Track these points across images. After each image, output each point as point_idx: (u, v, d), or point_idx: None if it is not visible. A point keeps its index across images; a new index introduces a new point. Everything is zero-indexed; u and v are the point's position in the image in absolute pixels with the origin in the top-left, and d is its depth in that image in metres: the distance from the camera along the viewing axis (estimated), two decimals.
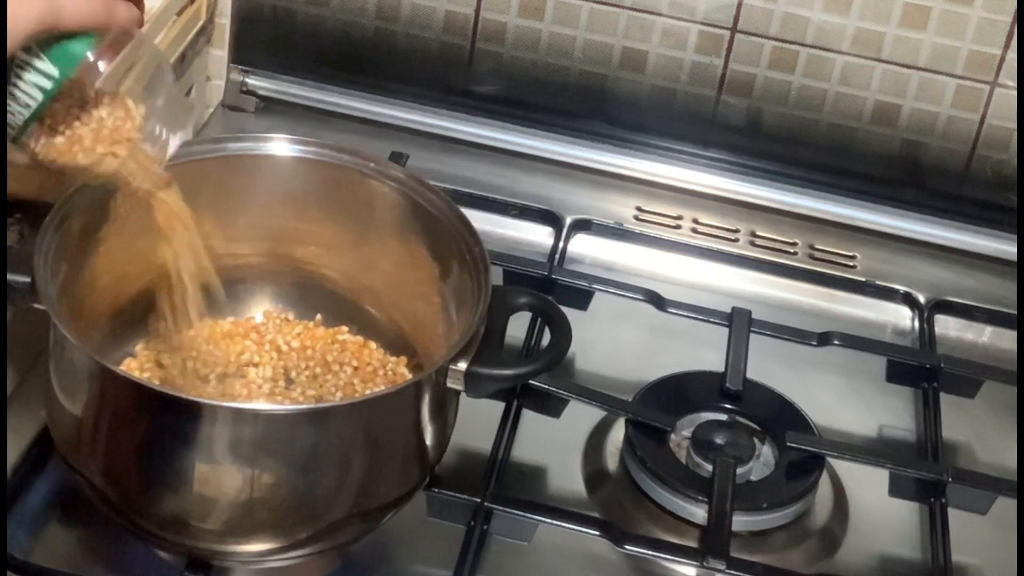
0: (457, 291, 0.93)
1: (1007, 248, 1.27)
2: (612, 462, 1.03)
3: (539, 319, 1.08)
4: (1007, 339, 1.20)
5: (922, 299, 1.21)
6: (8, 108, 0.79)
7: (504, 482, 0.99)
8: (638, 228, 1.25)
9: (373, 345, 1.01)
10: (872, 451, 1.07)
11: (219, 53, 1.32)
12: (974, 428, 1.11)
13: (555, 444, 1.04)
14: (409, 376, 0.98)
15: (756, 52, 1.26)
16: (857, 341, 1.13)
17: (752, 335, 1.11)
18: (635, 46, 1.27)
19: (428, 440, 0.89)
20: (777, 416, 1.05)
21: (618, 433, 1.04)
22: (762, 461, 1.02)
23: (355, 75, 1.32)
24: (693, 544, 0.97)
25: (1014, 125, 1.25)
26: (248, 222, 1.00)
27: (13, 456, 0.94)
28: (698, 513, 0.98)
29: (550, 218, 1.24)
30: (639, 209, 1.27)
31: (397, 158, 1.20)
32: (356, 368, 0.99)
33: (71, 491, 0.92)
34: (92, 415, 0.85)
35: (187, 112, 0.84)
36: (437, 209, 0.96)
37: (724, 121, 1.29)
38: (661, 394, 1.06)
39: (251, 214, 1.00)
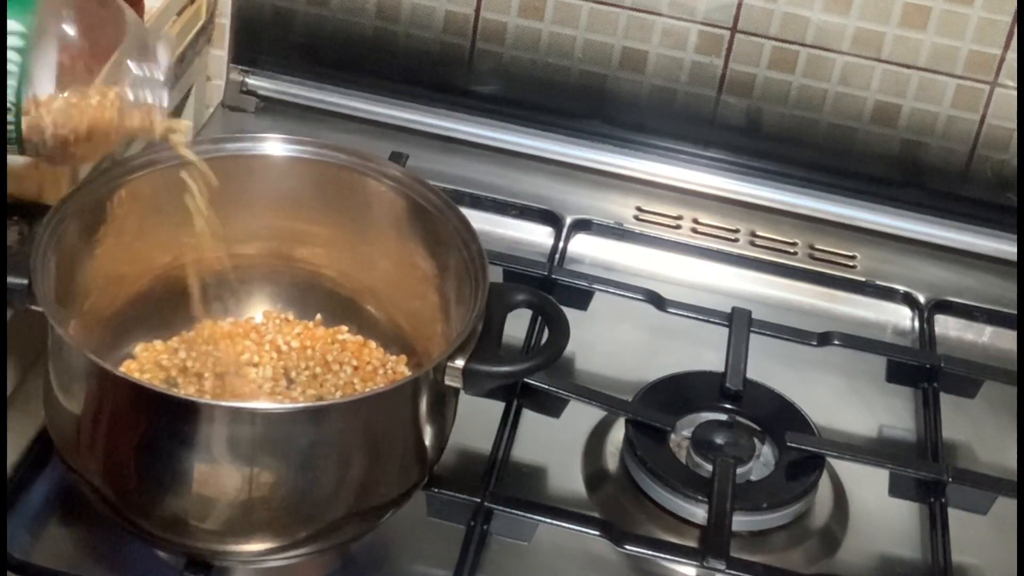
0: (456, 290, 0.93)
1: (1007, 248, 1.27)
2: (612, 462, 1.03)
3: (539, 318, 1.08)
4: (1007, 339, 1.20)
5: (922, 299, 1.21)
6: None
7: (504, 482, 0.99)
8: (638, 228, 1.25)
9: (373, 344, 1.01)
10: (872, 451, 1.07)
11: (219, 53, 1.32)
12: (974, 428, 1.11)
13: (555, 444, 1.04)
14: (409, 375, 0.98)
15: (756, 52, 1.26)
16: (857, 341, 1.13)
17: (752, 335, 1.11)
18: (635, 46, 1.27)
19: (427, 439, 0.89)
20: (777, 416, 1.05)
21: (618, 433, 1.04)
22: (762, 461, 1.02)
23: (355, 75, 1.32)
24: (693, 544, 0.96)
25: (1014, 125, 1.25)
26: (247, 222, 1.00)
27: (13, 456, 0.94)
28: (698, 513, 0.98)
29: (550, 218, 1.24)
30: (639, 209, 1.27)
31: (397, 158, 1.20)
32: (356, 367, 0.99)
33: (71, 491, 0.92)
34: (91, 416, 0.85)
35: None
36: (436, 209, 0.96)
37: (724, 121, 1.29)
38: (661, 394, 1.06)
39: (250, 214, 1.00)
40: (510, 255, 1.16)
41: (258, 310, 1.03)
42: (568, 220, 1.24)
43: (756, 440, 1.03)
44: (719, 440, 1.01)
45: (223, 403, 0.90)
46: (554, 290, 1.13)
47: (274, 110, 1.32)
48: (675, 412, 1.04)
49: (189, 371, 0.96)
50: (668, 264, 1.23)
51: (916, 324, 1.20)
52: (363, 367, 0.99)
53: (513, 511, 0.95)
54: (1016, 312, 1.20)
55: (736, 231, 1.26)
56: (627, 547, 0.95)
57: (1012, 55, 1.22)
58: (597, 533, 0.95)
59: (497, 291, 0.91)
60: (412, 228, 0.97)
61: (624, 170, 1.30)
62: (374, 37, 1.30)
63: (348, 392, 0.97)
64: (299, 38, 1.31)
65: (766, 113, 1.28)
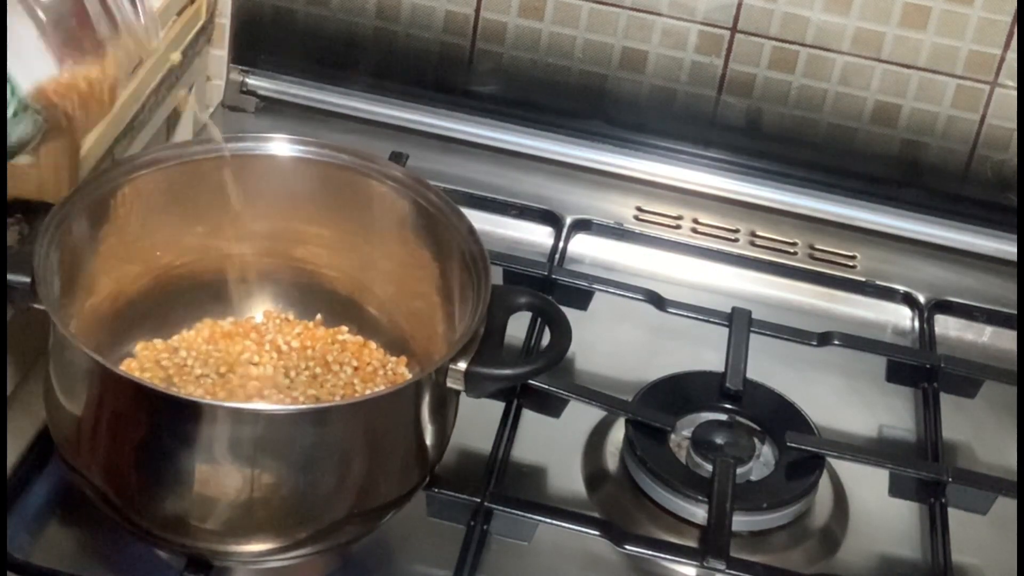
0: (457, 291, 0.93)
1: (1007, 248, 1.27)
2: (612, 462, 1.03)
3: (539, 319, 1.08)
4: (1007, 339, 1.20)
5: (922, 299, 1.21)
6: None
7: (504, 482, 0.99)
8: (638, 228, 1.25)
9: (373, 345, 1.01)
10: (872, 451, 1.07)
11: (219, 53, 1.32)
12: (974, 428, 1.11)
13: (555, 444, 1.04)
14: (409, 376, 0.98)
15: (756, 52, 1.26)
16: (857, 341, 1.13)
17: (752, 335, 1.11)
18: (635, 46, 1.27)
19: (428, 440, 0.89)
20: (777, 416, 1.05)
21: (618, 433, 1.04)
22: (762, 461, 1.02)
23: (355, 75, 1.32)
24: (693, 544, 0.96)
25: (1014, 125, 1.25)
26: (248, 222, 1.00)
27: (13, 456, 0.94)
28: (698, 513, 0.98)
29: (550, 218, 1.24)
30: (639, 209, 1.27)
31: (397, 158, 1.20)
32: (356, 368, 0.99)
33: (71, 491, 0.92)
34: (92, 415, 0.85)
35: None
36: (437, 209, 0.96)
37: (724, 121, 1.29)
38: (661, 394, 1.06)
39: (251, 214, 1.00)
40: (510, 255, 1.16)
41: (258, 310, 1.03)
42: (568, 220, 1.24)
43: (756, 440, 1.03)
44: (719, 440, 1.02)
45: (224, 403, 0.90)
46: (554, 290, 1.13)
47: (274, 110, 1.32)
48: (675, 412, 1.04)
49: (189, 371, 0.96)
50: (668, 264, 1.23)
51: (916, 324, 1.20)
52: (363, 368, 0.99)
53: (513, 511, 0.95)
54: (1016, 312, 1.20)
55: (736, 231, 1.27)
56: (627, 547, 0.95)
57: (1012, 55, 1.22)
58: (597, 533, 0.95)
59: (499, 293, 0.91)
60: (413, 229, 0.97)
61: (624, 170, 1.30)
62: (374, 37, 1.30)
63: (348, 393, 0.97)
64: (299, 38, 1.31)
65: (766, 113, 1.28)
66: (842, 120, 1.27)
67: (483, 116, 1.31)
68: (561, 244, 1.21)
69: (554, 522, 0.95)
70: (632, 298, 1.14)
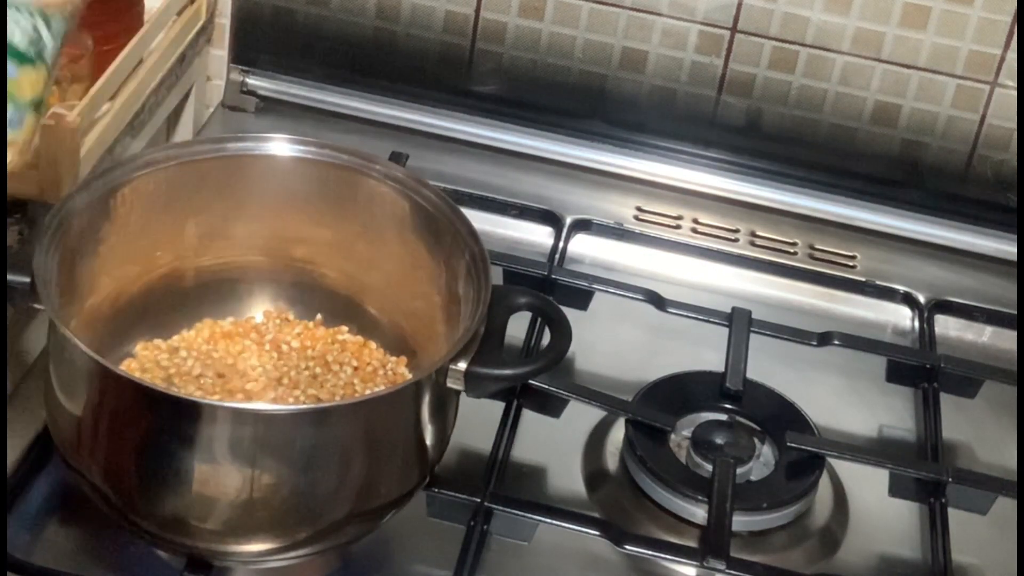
0: (457, 291, 0.93)
1: (1007, 248, 1.27)
2: (612, 462, 1.03)
3: (539, 319, 1.08)
4: (1007, 339, 1.20)
5: (922, 299, 1.21)
6: None
7: (504, 482, 0.99)
8: (638, 228, 1.25)
9: (373, 345, 1.01)
10: (872, 451, 1.07)
11: (219, 53, 1.32)
12: (974, 428, 1.11)
13: (555, 444, 1.04)
14: (409, 376, 0.98)
15: (756, 52, 1.26)
16: (857, 341, 1.13)
17: (752, 335, 1.11)
18: (635, 46, 1.27)
19: (428, 440, 0.89)
20: (777, 416, 1.05)
21: (618, 433, 1.04)
22: (762, 461, 1.02)
23: (355, 75, 1.32)
24: (693, 544, 0.96)
25: (1014, 125, 1.25)
26: (248, 222, 1.00)
27: (13, 456, 0.94)
28: (698, 513, 0.98)
29: (550, 218, 1.24)
30: (639, 209, 1.27)
31: (397, 158, 1.20)
32: (356, 368, 0.99)
33: (71, 491, 0.92)
34: (92, 415, 0.85)
35: None
36: (437, 209, 0.96)
37: (724, 121, 1.29)
38: (661, 394, 1.06)
39: (251, 214, 1.00)
40: (510, 255, 1.16)
41: (258, 310, 1.03)
42: (568, 220, 1.24)
43: (756, 440, 1.03)
44: (719, 440, 1.01)
45: (224, 403, 0.90)
46: (554, 290, 1.13)
47: (274, 110, 1.32)
48: (675, 412, 1.04)
49: (189, 371, 0.96)
50: (668, 264, 1.23)
51: (916, 324, 1.20)
52: (363, 368, 0.99)
53: (513, 511, 0.95)
54: (1016, 312, 1.20)
55: (736, 231, 1.27)
56: (627, 547, 0.95)
57: (1012, 55, 1.22)
58: (597, 533, 0.95)
59: (499, 293, 0.91)
60: (413, 229, 0.97)
61: (624, 170, 1.30)
62: (374, 37, 1.30)
63: (348, 393, 0.97)
64: (299, 38, 1.31)
65: (766, 113, 1.28)
66: (842, 120, 1.27)
67: (483, 116, 1.31)
68: (561, 244, 1.21)
69: (554, 522, 0.95)
70: (632, 298, 1.14)
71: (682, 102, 1.29)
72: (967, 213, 1.28)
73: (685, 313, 1.14)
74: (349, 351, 1.00)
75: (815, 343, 1.13)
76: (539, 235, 1.24)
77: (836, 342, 1.13)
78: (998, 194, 1.27)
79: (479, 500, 0.95)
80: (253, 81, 1.32)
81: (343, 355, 1.00)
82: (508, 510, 0.95)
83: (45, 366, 0.89)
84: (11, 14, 0.88)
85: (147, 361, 0.97)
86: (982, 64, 1.23)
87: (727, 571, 0.93)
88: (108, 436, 0.84)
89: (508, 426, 1.02)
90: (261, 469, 0.82)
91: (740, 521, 0.97)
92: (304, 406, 0.93)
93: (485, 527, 0.95)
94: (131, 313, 0.97)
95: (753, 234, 1.26)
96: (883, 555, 1.00)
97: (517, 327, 1.03)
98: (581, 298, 1.14)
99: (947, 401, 1.10)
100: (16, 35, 0.88)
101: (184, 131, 1.30)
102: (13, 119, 0.91)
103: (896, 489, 1.03)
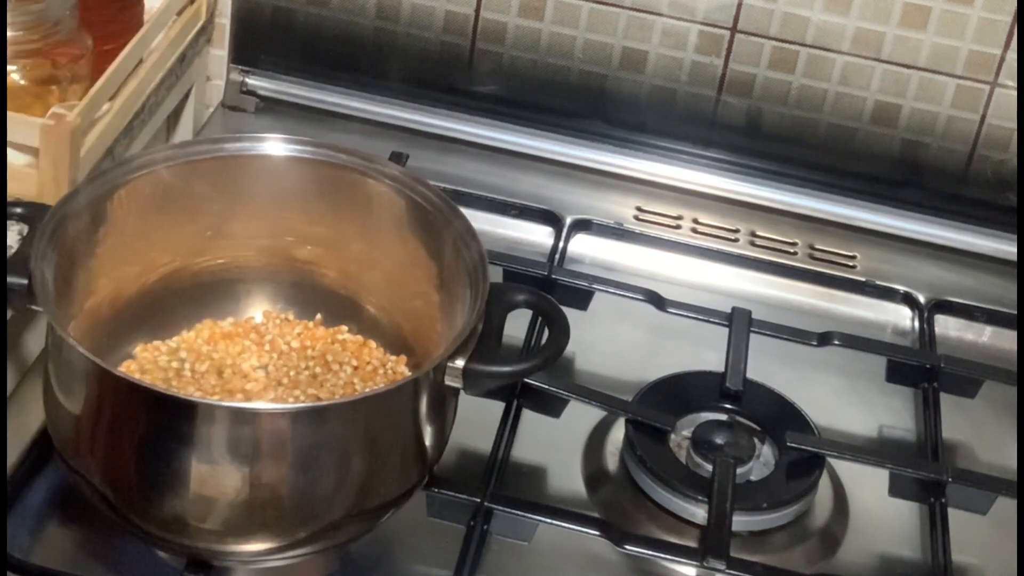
0: (456, 290, 0.93)
1: (1007, 248, 1.27)
2: (612, 462, 1.03)
3: (539, 318, 1.08)
4: (1007, 339, 1.20)
5: (922, 299, 1.21)
6: None
7: (504, 482, 0.99)
8: (638, 228, 1.25)
9: (373, 344, 1.01)
10: (872, 451, 1.07)
11: (219, 53, 1.32)
12: (974, 428, 1.11)
13: (555, 444, 1.04)
14: (409, 375, 0.98)
15: (756, 52, 1.26)
16: (857, 341, 1.13)
17: (752, 335, 1.11)
18: (635, 46, 1.27)
19: (427, 439, 0.89)
20: (777, 416, 1.05)
21: (618, 433, 1.04)
22: (762, 461, 1.02)
23: (355, 75, 1.32)
24: (693, 544, 0.96)
25: (1014, 125, 1.25)
26: (248, 222, 1.00)
27: (13, 456, 0.94)
28: (698, 513, 0.98)
29: (550, 218, 1.24)
30: (639, 209, 1.27)
31: (397, 158, 1.20)
32: (356, 367, 0.99)
33: (71, 491, 0.92)
34: (91, 416, 0.85)
35: None
36: (436, 208, 0.96)
37: (724, 121, 1.29)
38: (661, 394, 1.05)
39: (251, 214, 1.00)
40: (510, 255, 1.16)
41: (258, 310, 1.03)
42: (568, 220, 1.24)
43: (756, 440, 1.03)
44: (719, 440, 1.01)
45: (223, 403, 0.90)
46: (554, 290, 1.13)
47: (274, 110, 1.32)
48: (675, 412, 1.04)
49: (189, 371, 0.96)
50: (668, 264, 1.23)
51: (916, 324, 1.20)
52: (363, 367, 0.99)
53: (513, 511, 0.95)
54: (1016, 312, 1.20)
55: (736, 231, 1.26)
56: (627, 547, 0.95)
57: (1012, 55, 1.22)
58: (597, 533, 0.95)
59: (497, 291, 0.91)
60: (412, 228, 0.97)
61: (624, 170, 1.30)
62: (374, 37, 1.30)
63: (348, 392, 0.97)
64: (299, 38, 1.31)
65: (766, 113, 1.28)
66: (842, 120, 1.27)
67: (483, 116, 1.31)
68: (561, 244, 1.21)
69: (554, 522, 0.95)
70: (632, 298, 1.14)
71: (682, 102, 1.29)
72: (967, 213, 1.28)
73: (685, 313, 1.14)
74: (349, 351, 1.00)
75: (815, 343, 1.13)
76: (539, 235, 1.24)
77: (836, 342, 1.13)
78: (998, 194, 1.27)
79: (479, 500, 0.95)
80: (253, 81, 1.32)
81: (343, 355, 1.00)
82: (508, 510, 0.95)
83: (45, 366, 0.89)
84: None
85: (147, 362, 0.97)
86: (982, 64, 1.23)
87: (727, 571, 0.93)
88: (108, 437, 0.84)
89: (508, 426, 1.02)
90: (260, 469, 0.82)
91: (740, 521, 0.97)
92: (304, 405, 0.93)
93: (485, 527, 0.95)
94: (130, 314, 0.97)
95: (753, 234, 1.26)
96: (883, 555, 1.00)
97: (516, 326, 1.03)
98: (581, 298, 1.14)
99: (947, 401, 1.10)
100: None
101: (184, 131, 1.30)
102: None
103: (896, 489, 1.03)
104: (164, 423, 0.82)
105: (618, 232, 1.24)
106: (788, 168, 1.29)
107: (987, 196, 1.27)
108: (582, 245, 1.23)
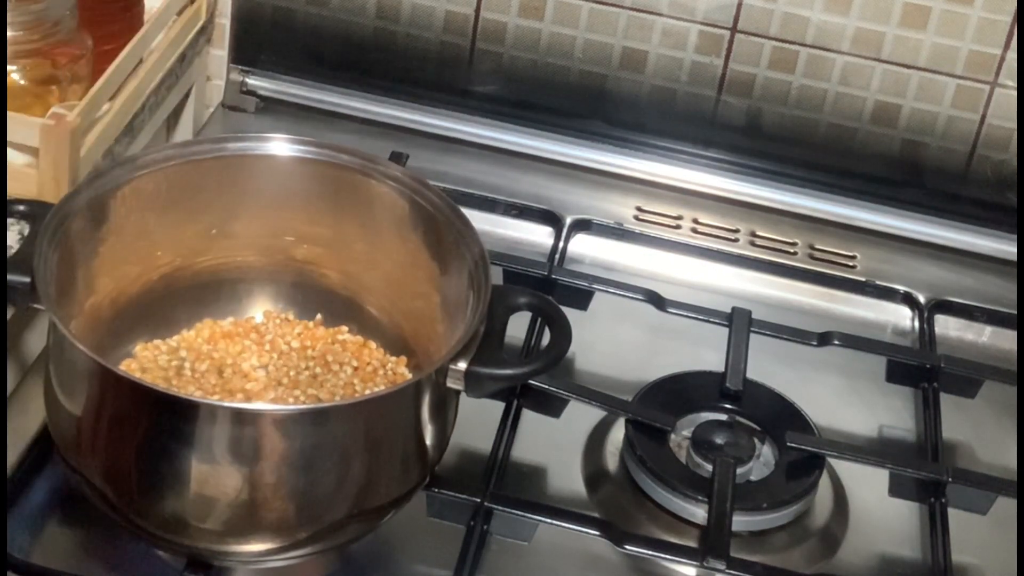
0: (457, 291, 0.93)
1: (1007, 248, 1.27)
2: (612, 462, 1.03)
3: (539, 319, 1.08)
4: (1007, 339, 1.20)
5: (922, 299, 1.21)
6: None
7: (504, 482, 0.99)
8: (638, 228, 1.25)
9: (373, 345, 1.01)
10: (872, 451, 1.07)
11: (219, 53, 1.32)
12: (974, 428, 1.11)
13: (555, 444, 1.04)
14: (409, 376, 0.98)
15: (756, 52, 1.26)
16: (857, 341, 1.13)
17: (752, 335, 1.11)
18: (635, 46, 1.27)
19: (428, 440, 0.89)
20: (777, 416, 1.05)
21: (618, 433, 1.04)
22: (762, 461, 1.02)
23: (355, 75, 1.32)
24: (693, 544, 0.96)
25: (1014, 125, 1.25)
26: (248, 222, 1.00)
27: (13, 456, 0.94)
28: (698, 513, 0.98)
29: (550, 218, 1.24)
30: (639, 209, 1.27)
31: (397, 158, 1.20)
32: (356, 368, 0.99)
33: (71, 491, 0.92)
34: (92, 415, 0.85)
35: None
36: (437, 209, 0.96)
37: (724, 121, 1.29)
38: (661, 394, 1.06)
39: (251, 214, 1.00)
40: (510, 255, 1.16)
41: (258, 310, 1.03)
42: (568, 220, 1.24)
43: (756, 440, 1.03)
44: (719, 440, 1.01)
45: (224, 403, 0.90)
46: (554, 290, 1.13)
47: (274, 110, 1.32)
48: (675, 412, 1.04)
49: (189, 371, 0.96)
50: (668, 264, 1.23)
51: (916, 324, 1.20)
52: (363, 368, 0.99)
53: (513, 511, 0.95)
54: (1016, 312, 1.20)
55: (736, 231, 1.27)
56: (627, 547, 0.95)
57: (1012, 55, 1.22)
58: (597, 533, 0.95)
59: (499, 293, 0.91)
60: (413, 228, 0.97)
61: (624, 170, 1.30)
62: (374, 37, 1.30)
63: (348, 393, 0.97)
64: (299, 38, 1.31)
65: (766, 113, 1.28)
66: (842, 120, 1.27)
67: (483, 116, 1.31)
68: (561, 244, 1.21)
69: (554, 522, 0.95)
70: (632, 298, 1.14)
71: (682, 102, 1.29)
72: (967, 213, 1.28)
73: (685, 313, 1.14)
74: (349, 351, 1.00)
75: (815, 343, 1.13)
76: (539, 235, 1.24)
77: (836, 342, 1.13)
78: (998, 194, 1.27)
79: (479, 500, 0.95)
80: (253, 81, 1.32)
81: (343, 355, 1.00)
82: (508, 510, 0.95)
83: (45, 366, 0.89)
84: None
85: (147, 361, 0.97)
86: (982, 64, 1.23)
87: (727, 571, 0.93)
88: (108, 436, 0.84)
89: (508, 426, 1.02)
90: (261, 469, 0.82)
91: (740, 521, 0.97)
92: (304, 406, 0.93)
93: (485, 527, 0.95)
94: (131, 313, 0.97)
95: (753, 234, 1.26)
96: (883, 555, 1.00)
97: (517, 327, 1.03)
98: (581, 298, 1.14)
99: (947, 401, 1.10)
100: None
101: (184, 131, 1.30)
102: None
103: (896, 489, 1.03)
104: (165, 423, 0.82)
105: (618, 232, 1.24)
106: (788, 168, 1.29)
107: (987, 196, 1.27)
108: (582, 245, 1.23)
